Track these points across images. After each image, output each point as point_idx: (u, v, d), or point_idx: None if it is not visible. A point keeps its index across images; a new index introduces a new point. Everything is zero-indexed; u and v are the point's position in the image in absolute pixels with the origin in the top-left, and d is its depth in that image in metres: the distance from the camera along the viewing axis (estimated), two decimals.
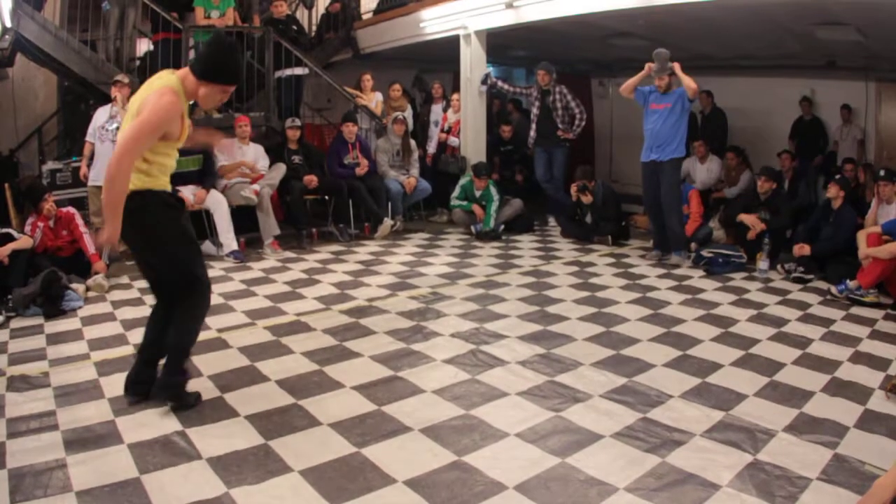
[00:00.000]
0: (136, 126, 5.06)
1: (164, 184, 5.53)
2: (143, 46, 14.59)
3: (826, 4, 9.54)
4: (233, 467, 4.66)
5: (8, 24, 11.19)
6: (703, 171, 13.74)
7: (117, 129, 10.47)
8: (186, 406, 5.59)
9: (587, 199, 12.60)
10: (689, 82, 10.29)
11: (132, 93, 9.99)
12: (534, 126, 14.10)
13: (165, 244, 5.54)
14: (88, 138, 10.96)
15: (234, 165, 11.70)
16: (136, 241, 5.59)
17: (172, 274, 5.61)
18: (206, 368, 6.51)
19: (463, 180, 13.61)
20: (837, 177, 10.73)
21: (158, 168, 5.43)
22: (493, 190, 13.32)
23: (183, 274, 5.57)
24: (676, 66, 10.40)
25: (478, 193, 13.32)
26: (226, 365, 6.59)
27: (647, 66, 10.87)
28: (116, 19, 13.04)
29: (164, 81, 5.27)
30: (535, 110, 14.06)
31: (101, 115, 10.93)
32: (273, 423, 5.36)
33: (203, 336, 7.15)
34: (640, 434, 5.12)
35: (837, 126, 14.69)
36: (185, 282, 5.58)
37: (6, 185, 11.63)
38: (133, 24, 13.36)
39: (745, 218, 10.87)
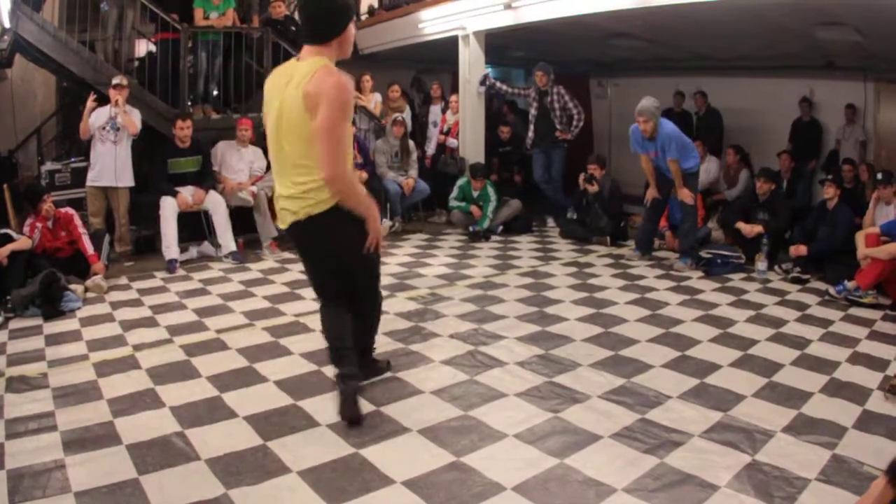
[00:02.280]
0: (327, 116, 4.71)
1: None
2: (142, 47, 14.59)
3: (824, 4, 9.55)
4: (231, 468, 4.68)
5: (7, 24, 11.19)
6: (702, 171, 13.78)
7: (118, 130, 10.54)
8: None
9: (593, 188, 12.62)
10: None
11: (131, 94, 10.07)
12: (532, 127, 14.09)
13: (369, 253, 5.33)
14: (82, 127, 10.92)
15: (232, 187, 11.72)
16: (346, 250, 5.30)
17: (372, 280, 5.77)
18: (204, 369, 6.52)
19: (461, 181, 13.63)
20: (830, 177, 10.76)
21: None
22: (490, 190, 13.34)
23: (377, 279, 5.82)
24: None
25: (475, 194, 13.34)
26: (224, 366, 6.60)
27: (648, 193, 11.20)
28: (115, 20, 13.04)
29: (317, 63, 4.85)
30: (533, 111, 14.05)
31: (100, 116, 10.91)
32: (272, 423, 5.37)
33: (201, 337, 7.32)
34: (639, 435, 5.13)
35: (840, 126, 14.64)
36: (376, 287, 5.83)
37: (5, 186, 11.61)
38: (132, 24, 13.36)
39: (742, 227, 10.89)
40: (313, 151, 4.86)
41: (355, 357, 5.56)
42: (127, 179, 11.11)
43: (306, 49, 5.03)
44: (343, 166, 4.82)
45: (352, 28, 5.06)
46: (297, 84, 4.82)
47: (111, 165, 10.90)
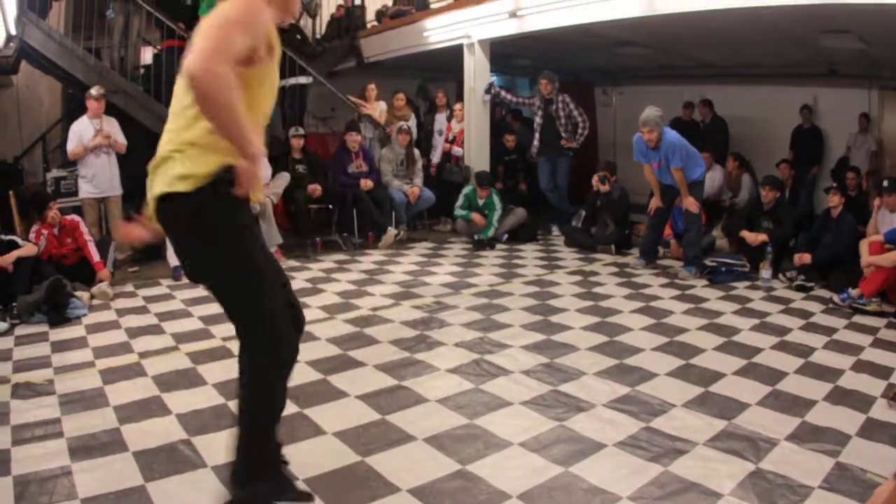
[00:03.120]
0: (218, 24, 3.61)
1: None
2: (148, 54, 14.62)
3: (829, 12, 9.55)
4: None
5: (13, 31, 11.23)
6: (707, 179, 13.77)
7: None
8: None
9: (605, 188, 12.68)
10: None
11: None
12: (537, 135, 14.12)
13: (227, 267, 3.93)
14: (77, 144, 11.05)
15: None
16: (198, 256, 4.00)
17: (238, 311, 4.02)
18: (210, 377, 6.52)
19: (466, 189, 13.64)
20: (835, 185, 10.78)
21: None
22: (495, 199, 13.37)
23: (251, 313, 3.99)
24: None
25: (480, 202, 13.37)
26: (230, 373, 6.44)
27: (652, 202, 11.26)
28: (121, 27, 13.08)
29: None
30: (538, 119, 14.08)
31: (84, 130, 11.07)
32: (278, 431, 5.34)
33: (207, 344, 7.31)
34: (643, 443, 5.14)
35: (852, 133, 14.65)
36: (252, 325, 4.00)
37: (11, 193, 11.65)
38: (137, 32, 13.40)
39: (747, 235, 10.89)
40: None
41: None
42: (119, 187, 11.30)
43: None
44: (222, 61, 3.43)
45: None
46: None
47: (105, 175, 11.01)
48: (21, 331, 8.10)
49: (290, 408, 5.74)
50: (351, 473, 4.75)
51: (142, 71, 13.96)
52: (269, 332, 3.96)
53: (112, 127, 11.28)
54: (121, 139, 11.31)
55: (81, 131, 11.09)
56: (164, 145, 3.85)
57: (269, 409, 4.18)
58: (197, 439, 5.22)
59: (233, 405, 5.53)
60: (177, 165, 3.73)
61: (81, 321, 8.45)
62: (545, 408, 5.81)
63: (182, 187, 3.68)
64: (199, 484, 4.60)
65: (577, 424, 5.48)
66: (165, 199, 3.76)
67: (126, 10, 12.96)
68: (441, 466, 4.81)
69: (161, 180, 3.78)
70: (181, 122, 3.80)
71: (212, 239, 3.84)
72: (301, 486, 4.48)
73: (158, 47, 13.75)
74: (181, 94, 3.83)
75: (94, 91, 11.11)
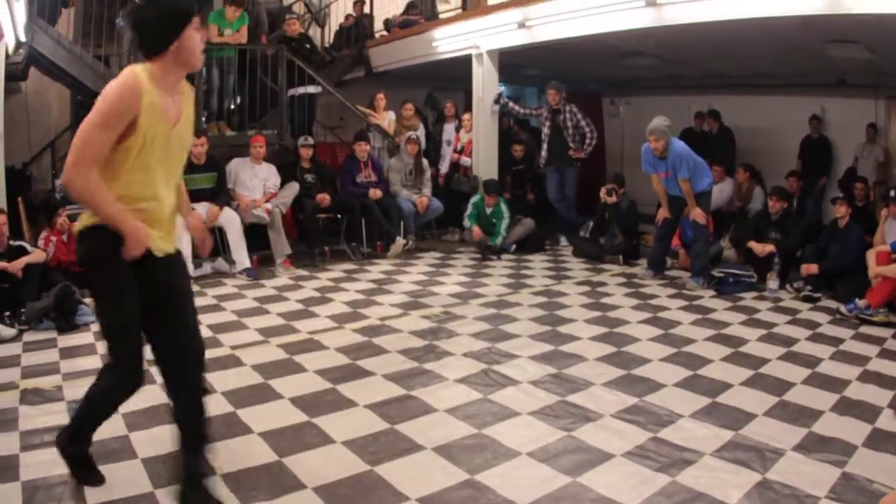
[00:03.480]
0: (89, 119, 4.14)
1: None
2: None
3: (835, 22, 9.57)
4: (246, 483, 4.71)
5: (22, 38, 11.25)
6: (716, 190, 13.72)
7: None
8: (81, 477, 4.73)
9: (612, 199, 12.71)
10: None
11: None
12: (545, 146, 14.15)
13: (101, 299, 4.62)
14: None
15: (247, 204, 11.76)
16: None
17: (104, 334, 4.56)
18: (219, 385, 6.53)
19: (474, 198, 13.65)
20: (842, 195, 10.79)
21: (124, 188, 4.25)
22: (503, 207, 13.39)
23: (107, 340, 4.53)
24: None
25: (488, 210, 13.39)
26: (239, 382, 6.63)
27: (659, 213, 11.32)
28: (130, 36, 13.11)
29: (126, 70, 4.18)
30: (545, 130, 14.11)
31: None
32: (287, 440, 5.40)
33: (217, 353, 7.32)
34: (651, 453, 5.15)
35: (860, 143, 14.64)
36: (107, 350, 4.55)
37: (19, 199, 11.67)
38: None
39: (754, 246, 10.89)
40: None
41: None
42: None
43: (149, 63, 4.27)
44: (83, 171, 4.05)
45: (189, 33, 4.19)
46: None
47: None
48: (29, 337, 8.15)
49: (299, 416, 5.86)
50: (359, 482, 4.76)
51: None
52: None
53: None
54: None
55: None
56: None
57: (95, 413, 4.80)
58: (206, 447, 5.17)
59: (242, 414, 5.63)
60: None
61: (90, 328, 8.44)
62: (553, 418, 5.83)
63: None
64: None
65: (585, 435, 5.49)
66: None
67: None
68: (450, 476, 4.83)
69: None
70: None
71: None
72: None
73: None
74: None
75: None
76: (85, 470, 4.71)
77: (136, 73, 4.12)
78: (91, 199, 4.14)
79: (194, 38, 4.22)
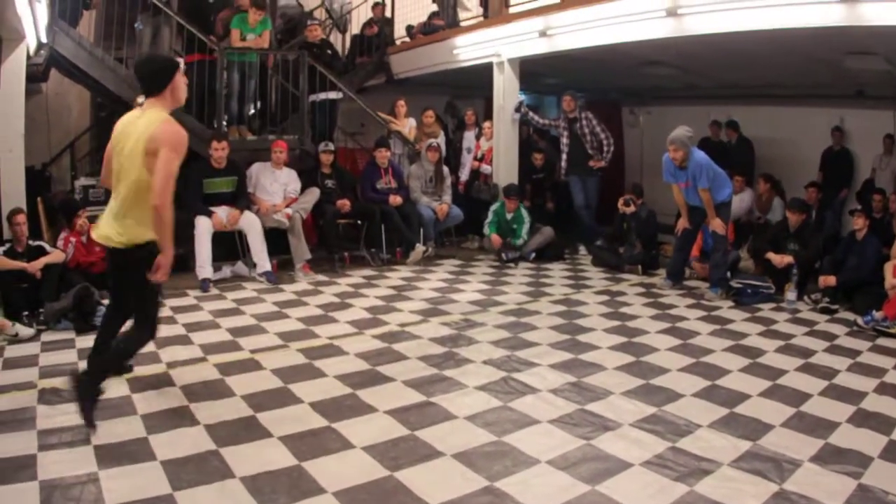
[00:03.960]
0: (168, 159, 5.57)
1: None
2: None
3: (855, 34, 9.58)
4: (266, 487, 4.72)
5: (44, 39, 11.30)
6: (736, 200, 13.69)
7: None
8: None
9: (630, 210, 12.70)
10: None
11: None
12: (565, 155, 14.19)
13: (153, 288, 5.97)
14: None
15: (267, 209, 11.78)
16: (135, 279, 5.88)
17: (150, 309, 6.04)
18: (239, 388, 6.59)
19: (495, 206, 13.68)
20: (860, 207, 10.78)
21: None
22: (524, 212, 13.45)
23: (155, 310, 6.11)
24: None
25: (509, 216, 13.43)
26: (259, 386, 6.67)
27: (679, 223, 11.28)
28: (149, 38, 13.16)
29: (159, 117, 5.80)
30: (564, 139, 14.16)
31: None
32: (306, 444, 5.41)
33: (236, 356, 7.43)
34: (669, 463, 5.16)
35: (877, 154, 14.58)
36: (153, 316, 6.06)
37: (39, 199, 11.72)
38: (169, 44, 13.47)
39: (772, 257, 10.89)
40: (139, 196, 5.77)
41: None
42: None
43: (148, 101, 5.98)
44: (170, 197, 5.61)
45: (178, 79, 6.01)
46: (142, 130, 5.71)
47: None
48: (47, 337, 8.21)
49: (319, 421, 5.89)
50: (379, 488, 4.77)
51: None
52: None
53: None
54: None
55: None
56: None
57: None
58: (225, 450, 5.26)
59: (262, 418, 5.68)
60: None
61: None
62: (573, 426, 5.84)
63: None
64: (228, 495, 4.64)
65: (604, 443, 5.50)
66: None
67: (155, 23, 13.03)
68: (469, 482, 4.85)
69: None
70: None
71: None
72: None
73: (183, 60, 13.82)
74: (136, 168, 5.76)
75: (139, 99, 11.16)
76: (92, 406, 5.68)
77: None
78: (168, 220, 5.65)
79: (180, 82, 6.04)
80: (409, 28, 17.67)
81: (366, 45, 17.27)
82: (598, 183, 14.21)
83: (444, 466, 5.11)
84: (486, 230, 13.60)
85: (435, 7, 17.73)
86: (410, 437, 5.59)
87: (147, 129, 5.65)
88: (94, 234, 6.18)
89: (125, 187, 5.86)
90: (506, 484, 4.82)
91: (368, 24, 17.36)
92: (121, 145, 5.88)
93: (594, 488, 4.78)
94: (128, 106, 11.50)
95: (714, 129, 16.76)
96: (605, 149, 13.94)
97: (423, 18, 17.60)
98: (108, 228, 5.94)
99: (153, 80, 5.91)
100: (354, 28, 18.23)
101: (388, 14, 18.11)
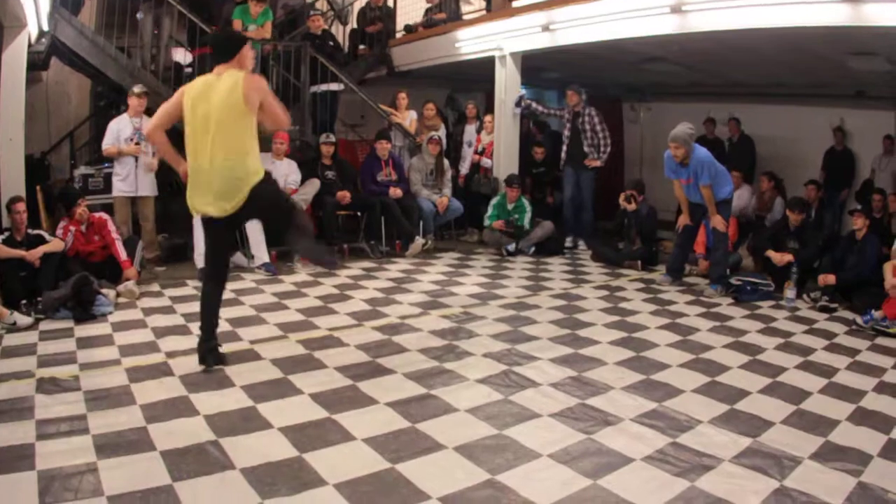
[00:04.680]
0: (267, 97, 6.64)
1: None
2: (178, 55, 14.70)
3: (858, 34, 9.58)
4: (267, 478, 4.71)
5: (45, 27, 11.29)
6: (735, 198, 13.73)
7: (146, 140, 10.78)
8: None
9: (631, 206, 12.68)
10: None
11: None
12: (565, 147, 14.23)
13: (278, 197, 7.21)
14: (111, 145, 11.20)
15: None
16: (263, 202, 6.74)
17: (285, 213, 7.07)
18: (238, 379, 6.58)
19: (495, 200, 13.74)
20: (860, 207, 10.79)
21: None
22: (525, 201, 13.55)
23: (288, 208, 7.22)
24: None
25: (510, 206, 13.48)
26: (258, 377, 6.67)
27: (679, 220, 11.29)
28: (150, 28, 13.17)
29: (239, 74, 6.61)
30: (566, 132, 14.19)
31: (123, 127, 11.20)
32: (307, 436, 5.41)
33: (236, 347, 7.43)
34: (670, 458, 5.16)
35: (877, 155, 14.65)
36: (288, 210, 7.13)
37: (38, 188, 11.71)
38: (170, 33, 13.47)
39: (772, 255, 10.92)
40: (243, 140, 6.59)
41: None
42: (154, 188, 11.46)
43: (219, 67, 6.75)
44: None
45: (245, 50, 6.87)
46: (228, 89, 6.49)
47: (140, 175, 11.15)
48: (46, 326, 8.20)
49: (320, 412, 5.89)
50: (381, 480, 4.77)
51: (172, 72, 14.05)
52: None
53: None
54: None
55: (120, 129, 11.22)
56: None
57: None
58: (225, 441, 5.25)
59: (262, 409, 5.70)
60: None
61: (107, 319, 8.52)
62: (573, 420, 5.85)
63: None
64: (228, 485, 4.63)
65: (605, 438, 5.51)
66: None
67: (157, 13, 13.05)
68: (471, 476, 4.84)
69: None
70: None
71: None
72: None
73: (190, 52, 13.80)
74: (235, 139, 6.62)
75: (136, 88, 11.21)
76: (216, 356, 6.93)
77: None
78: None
79: (248, 52, 6.92)
80: (408, 27, 17.59)
81: (364, 36, 17.19)
82: (592, 179, 14.25)
83: (445, 459, 5.11)
84: (487, 223, 13.63)
85: (428, 4, 17.64)
86: (411, 430, 5.59)
87: (236, 84, 6.47)
88: (213, 212, 6.70)
89: (226, 138, 6.53)
90: (507, 477, 4.82)
91: (372, 21, 17.27)
92: (204, 105, 6.57)
93: (596, 482, 4.78)
94: (126, 94, 11.54)
95: (709, 126, 16.82)
96: (602, 148, 13.98)
97: (422, 17, 17.57)
98: (231, 195, 6.57)
99: (226, 49, 6.78)
100: (356, 22, 18.18)
101: (389, 4, 18.05)
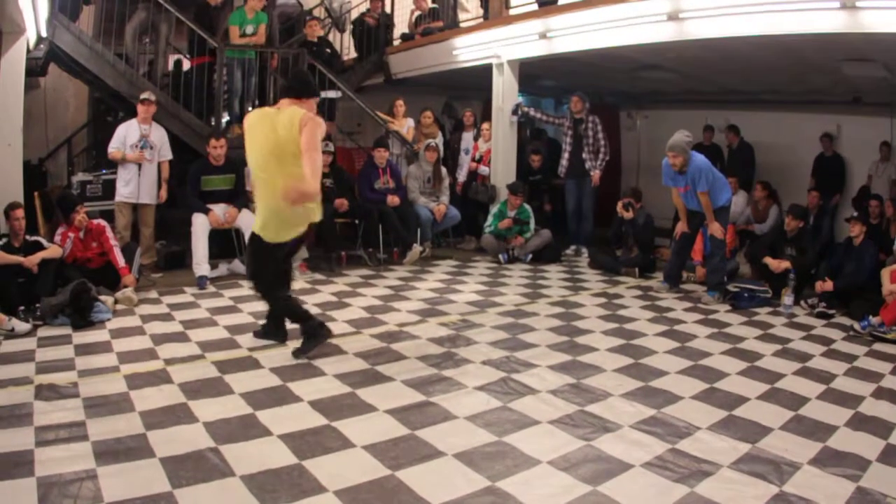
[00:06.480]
0: (314, 144, 6.72)
1: None
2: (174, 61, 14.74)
3: (853, 40, 9.62)
4: (267, 485, 4.70)
5: (44, 33, 11.29)
6: (731, 204, 13.75)
7: (151, 148, 10.98)
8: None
9: (629, 215, 12.68)
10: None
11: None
12: (566, 156, 14.24)
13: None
14: (117, 149, 11.15)
15: None
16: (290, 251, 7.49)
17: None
18: (237, 386, 6.57)
19: (494, 209, 13.80)
20: (856, 214, 10.81)
21: None
22: (528, 208, 13.59)
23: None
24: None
25: (512, 214, 13.48)
26: (258, 384, 6.66)
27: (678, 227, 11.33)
28: (134, 29, 13.23)
29: (299, 110, 6.83)
30: (568, 139, 14.21)
31: (131, 132, 11.18)
32: (307, 443, 5.40)
33: (234, 354, 7.47)
34: (670, 464, 5.17)
35: (874, 161, 14.66)
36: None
37: (36, 194, 11.71)
38: (166, 39, 13.49)
39: (770, 262, 10.91)
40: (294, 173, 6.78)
41: None
42: (155, 196, 11.45)
43: (285, 101, 7.06)
44: (318, 174, 6.85)
45: (314, 101, 7.21)
46: (287, 123, 6.75)
47: (144, 182, 11.18)
48: (44, 332, 8.16)
49: (319, 420, 5.89)
50: (380, 487, 4.77)
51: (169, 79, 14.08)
52: None
53: (159, 136, 11.50)
54: (166, 152, 11.60)
55: (126, 134, 11.21)
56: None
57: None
58: (225, 448, 5.24)
59: (261, 416, 5.72)
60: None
61: (105, 325, 8.50)
62: (573, 427, 5.85)
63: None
64: (228, 493, 4.63)
65: (605, 445, 5.51)
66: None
67: (153, 20, 13.09)
68: (471, 482, 4.84)
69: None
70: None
71: None
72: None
73: (188, 59, 13.83)
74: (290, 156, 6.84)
75: (144, 94, 11.21)
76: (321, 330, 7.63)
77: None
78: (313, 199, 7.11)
79: (314, 104, 7.19)
80: (405, 35, 17.58)
81: (366, 35, 17.17)
82: (594, 188, 14.25)
83: (445, 466, 5.11)
84: (487, 230, 13.66)
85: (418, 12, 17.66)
86: (411, 437, 5.59)
87: (293, 118, 6.75)
88: (273, 238, 7.27)
89: (283, 175, 6.83)
90: (507, 484, 4.82)
91: (370, 16, 17.27)
92: (260, 137, 7.02)
93: (595, 489, 4.78)
94: (124, 100, 11.56)
95: (707, 134, 16.81)
96: (601, 156, 14.02)
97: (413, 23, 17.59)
98: (291, 222, 7.29)
99: (301, 89, 7.12)
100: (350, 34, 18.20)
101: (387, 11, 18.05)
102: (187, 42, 13.52)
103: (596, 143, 13.98)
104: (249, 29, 13.28)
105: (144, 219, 11.54)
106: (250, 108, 13.65)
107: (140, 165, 11.19)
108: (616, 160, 16.79)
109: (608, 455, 5.32)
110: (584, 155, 13.97)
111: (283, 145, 6.75)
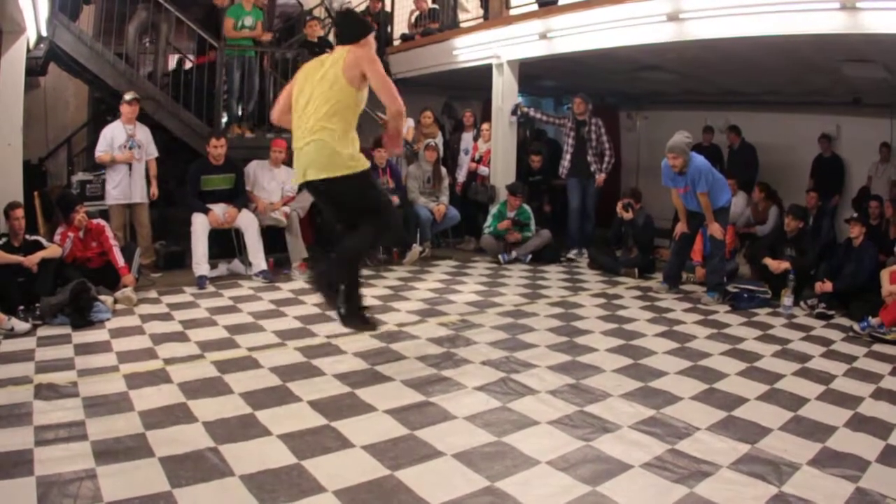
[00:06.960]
0: (376, 72, 6.60)
1: None
2: (174, 61, 14.73)
3: (854, 41, 9.62)
4: (266, 485, 4.70)
5: (44, 32, 11.29)
6: (730, 205, 13.75)
7: (139, 147, 11.15)
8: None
9: (628, 215, 12.69)
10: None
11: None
12: (568, 156, 14.24)
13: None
14: (105, 152, 11.19)
15: (265, 207, 11.74)
16: (357, 191, 7.08)
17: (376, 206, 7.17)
18: (237, 386, 6.56)
19: (494, 210, 13.78)
20: (856, 215, 10.80)
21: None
22: (526, 207, 13.58)
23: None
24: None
25: (511, 214, 13.47)
26: (257, 384, 6.65)
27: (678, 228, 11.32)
28: (134, 34, 13.23)
29: (344, 49, 6.68)
30: (570, 141, 14.19)
31: (117, 134, 11.23)
32: (306, 443, 5.39)
33: (233, 354, 7.44)
34: (669, 465, 5.16)
35: (874, 162, 14.67)
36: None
37: (35, 193, 11.71)
38: (166, 39, 13.49)
39: (769, 262, 10.90)
40: (343, 115, 6.76)
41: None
42: (146, 195, 11.51)
43: (340, 48, 6.79)
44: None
45: (370, 38, 6.87)
46: (333, 62, 6.62)
47: (132, 183, 11.22)
48: (43, 332, 8.17)
49: (318, 419, 5.87)
50: (380, 487, 4.76)
51: (169, 78, 14.08)
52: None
53: (144, 135, 11.50)
54: (152, 150, 11.57)
55: (114, 136, 11.21)
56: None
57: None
58: (224, 448, 5.24)
59: (260, 416, 5.70)
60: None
61: (105, 325, 8.50)
62: (572, 428, 5.84)
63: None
64: (227, 492, 4.62)
65: (604, 445, 5.51)
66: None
67: (153, 19, 13.10)
68: (470, 483, 4.84)
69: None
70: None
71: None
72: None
73: (191, 59, 13.83)
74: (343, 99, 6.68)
75: (127, 95, 11.21)
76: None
77: None
78: (402, 122, 7.33)
79: (372, 42, 6.89)
80: (405, 36, 17.58)
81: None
82: (596, 189, 14.27)
83: (444, 466, 5.10)
84: (486, 231, 13.65)
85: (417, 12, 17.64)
86: (410, 437, 5.58)
87: (340, 57, 6.58)
88: (310, 176, 6.87)
89: (323, 108, 6.62)
90: (507, 484, 4.81)
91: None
92: (311, 81, 6.74)
93: (595, 489, 4.78)
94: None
95: (707, 135, 16.81)
96: (607, 159, 14.05)
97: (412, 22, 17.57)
98: (323, 166, 6.77)
99: (351, 32, 6.81)
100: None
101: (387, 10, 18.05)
102: (195, 42, 13.51)
103: (600, 145, 14.00)
104: (248, 21, 13.28)
105: (139, 218, 11.58)
106: (250, 108, 13.70)
107: (130, 165, 11.23)
108: (616, 161, 16.77)
109: (607, 455, 5.31)
110: (588, 158, 13.96)
111: (330, 81, 6.59)
